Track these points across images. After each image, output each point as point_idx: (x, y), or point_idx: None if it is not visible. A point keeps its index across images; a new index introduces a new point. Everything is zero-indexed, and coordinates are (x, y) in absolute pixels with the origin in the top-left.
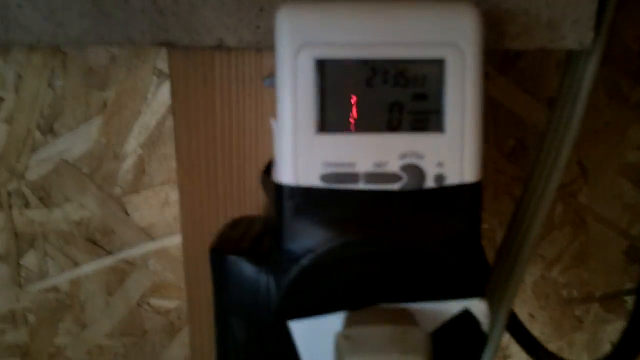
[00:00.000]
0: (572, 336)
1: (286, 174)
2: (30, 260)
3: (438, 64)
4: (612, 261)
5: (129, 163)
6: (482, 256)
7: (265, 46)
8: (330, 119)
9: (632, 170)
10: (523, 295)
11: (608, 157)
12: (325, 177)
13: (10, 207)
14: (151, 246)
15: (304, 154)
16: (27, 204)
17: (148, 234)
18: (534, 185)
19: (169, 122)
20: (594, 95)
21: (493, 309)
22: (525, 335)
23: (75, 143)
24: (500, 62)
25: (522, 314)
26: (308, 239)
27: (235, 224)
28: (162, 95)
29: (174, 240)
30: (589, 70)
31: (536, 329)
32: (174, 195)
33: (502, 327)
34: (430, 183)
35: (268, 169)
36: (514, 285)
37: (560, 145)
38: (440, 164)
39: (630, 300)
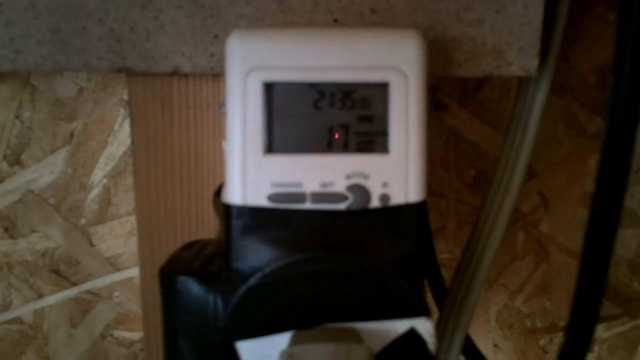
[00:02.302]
0: None
1: (234, 194)
2: None
3: (382, 88)
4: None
5: (94, 194)
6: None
7: (220, 72)
8: (277, 141)
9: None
10: (487, 325)
11: (569, 187)
12: (272, 197)
13: None
14: (116, 277)
15: (252, 174)
16: None
17: (113, 265)
18: (487, 211)
19: None
20: (553, 126)
21: (448, 333)
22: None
23: (42, 174)
24: (460, 95)
25: (487, 344)
26: (256, 258)
27: (189, 245)
28: (128, 127)
29: (139, 270)
30: (539, 96)
31: (501, 359)
32: None
33: (458, 351)
34: (375, 203)
35: (219, 190)
36: (469, 310)
37: (512, 171)
38: (385, 184)
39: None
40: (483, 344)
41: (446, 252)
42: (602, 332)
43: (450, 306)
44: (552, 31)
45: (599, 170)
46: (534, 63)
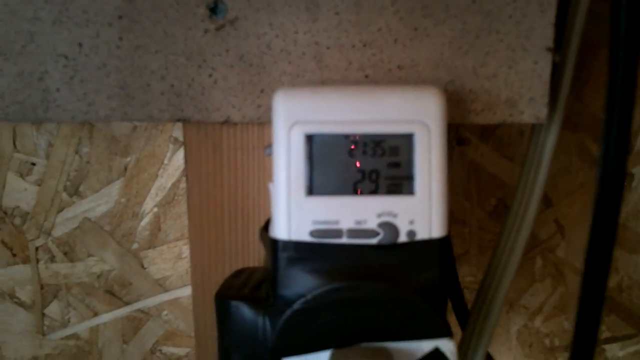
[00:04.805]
0: None
1: (280, 230)
2: (54, 310)
3: (408, 138)
4: None
5: (146, 221)
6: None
7: (265, 121)
8: (317, 184)
9: None
10: (508, 344)
11: (582, 215)
12: (313, 233)
13: (37, 261)
14: (165, 297)
15: (295, 213)
16: (52, 258)
17: (162, 286)
18: (505, 239)
19: (183, 185)
20: (567, 160)
21: (471, 352)
22: None
23: (98, 203)
24: (481, 131)
25: None
26: (299, 286)
27: (238, 273)
28: (176, 161)
29: (186, 292)
30: (550, 139)
31: None
32: (186, 250)
33: None
34: (403, 238)
35: (266, 226)
36: (489, 330)
37: (527, 204)
38: (411, 222)
39: (608, 348)
40: None
41: (470, 276)
42: (617, 350)
43: (472, 326)
44: (560, 82)
45: (593, 211)
46: (543, 111)
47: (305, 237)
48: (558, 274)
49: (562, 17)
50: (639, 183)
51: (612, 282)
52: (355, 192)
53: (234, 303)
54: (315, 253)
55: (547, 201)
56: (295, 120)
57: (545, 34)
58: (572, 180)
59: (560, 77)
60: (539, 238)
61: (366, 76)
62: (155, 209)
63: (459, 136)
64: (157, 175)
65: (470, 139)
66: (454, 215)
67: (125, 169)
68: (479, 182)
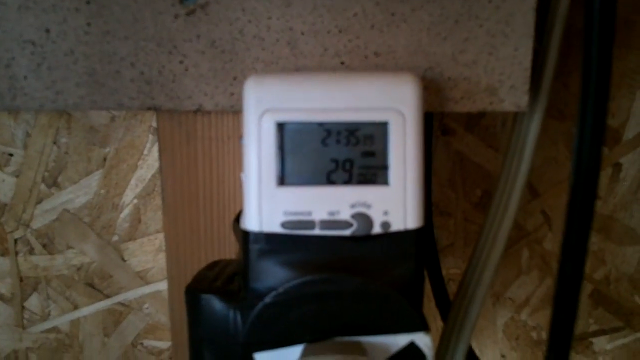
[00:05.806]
0: None
1: (251, 222)
2: (33, 302)
3: (383, 126)
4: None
5: (126, 213)
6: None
7: (239, 109)
8: (289, 174)
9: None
10: (495, 337)
11: None
12: (285, 224)
13: (16, 253)
14: (145, 290)
15: (266, 204)
16: (31, 251)
17: (143, 279)
18: (487, 231)
19: None
20: (554, 149)
21: (452, 344)
22: None
23: (77, 195)
24: (466, 121)
25: (495, 354)
26: (271, 278)
27: (212, 265)
28: (156, 152)
29: (167, 285)
30: (532, 128)
31: None
32: None
33: None
34: (377, 229)
35: (238, 217)
36: (471, 323)
37: (510, 196)
38: (386, 213)
39: (596, 341)
40: (491, 355)
41: (455, 268)
42: (605, 344)
43: (454, 319)
44: (543, 69)
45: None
46: (524, 99)
47: (276, 228)
48: (545, 265)
49: (546, 2)
50: (627, 173)
51: (600, 274)
52: (328, 182)
53: (205, 296)
54: (287, 245)
55: (533, 191)
56: (265, 108)
57: (526, 19)
58: (559, 170)
59: (543, 64)
60: (526, 229)
61: (342, 63)
62: (135, 201)
63: (444, 126)
64: (136, 166)
65: (455, 129)
66: (439, 206)
67: (105, 159)
68: (464, 172)
